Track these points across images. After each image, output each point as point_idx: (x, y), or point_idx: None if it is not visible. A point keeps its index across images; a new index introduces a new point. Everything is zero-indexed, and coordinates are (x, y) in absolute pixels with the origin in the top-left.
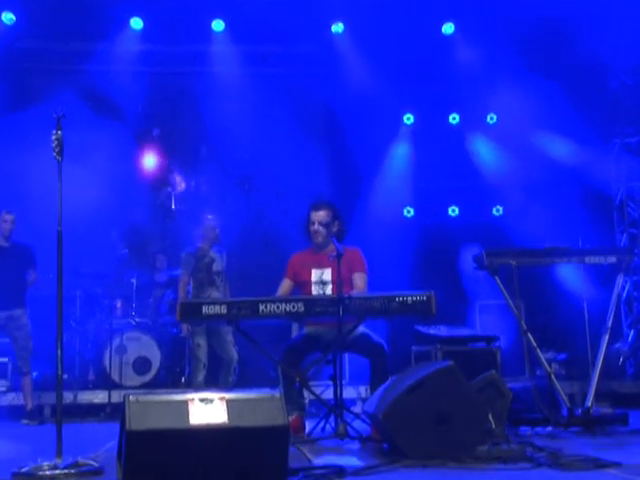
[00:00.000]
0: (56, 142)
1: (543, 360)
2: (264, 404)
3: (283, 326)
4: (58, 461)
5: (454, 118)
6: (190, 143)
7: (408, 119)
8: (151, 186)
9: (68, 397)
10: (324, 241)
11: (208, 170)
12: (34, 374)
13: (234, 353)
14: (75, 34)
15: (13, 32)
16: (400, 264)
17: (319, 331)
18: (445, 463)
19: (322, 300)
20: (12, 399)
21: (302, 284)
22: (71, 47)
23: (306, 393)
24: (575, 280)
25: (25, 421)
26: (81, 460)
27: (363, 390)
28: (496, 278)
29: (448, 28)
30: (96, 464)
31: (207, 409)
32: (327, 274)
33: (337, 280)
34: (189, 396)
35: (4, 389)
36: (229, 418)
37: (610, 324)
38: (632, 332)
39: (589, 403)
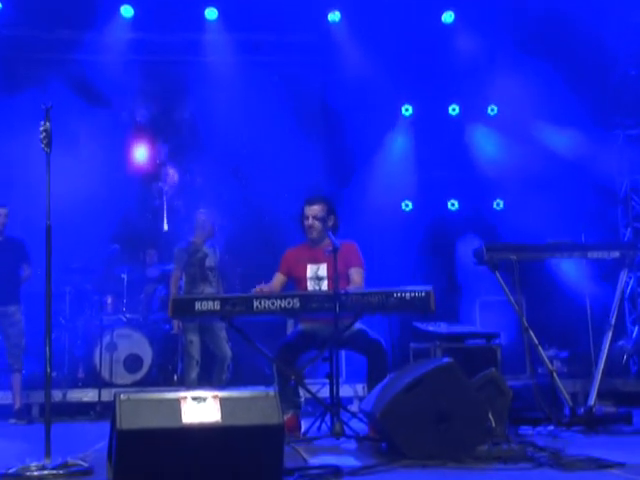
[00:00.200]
0: (44, 134)
1: (545, 358)
2: (258, 402)
3: (278, 323)
4: (47, 461)
5: (454, 109)
6: (183, 133)
7: (407, 110)
8: (142, 179)
9: (57, 396)
10: (319, 236)
11: (201, 160)
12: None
13: (228, 350)
14: (63, 22)
15: None
16: (398, 259)
17: (315, 328)
18: (444, 463)
19: (318, 296)
20: None
21: (297, 280)
22: (59, 35)
23: (302, 391)
24: (578, 276)
25: (13, 420)
26: (70, 460)
27: (360, 388)
28: (496, 274)
29: (448, 17)
30: (86, 464)
31: (200, 408)
32: (323, 269)
33: (333, 275)
34: (181, 394)
35: None
36: (222, 417)
37: (613, 321)
38: (636, 329)
39: (592, 402)
